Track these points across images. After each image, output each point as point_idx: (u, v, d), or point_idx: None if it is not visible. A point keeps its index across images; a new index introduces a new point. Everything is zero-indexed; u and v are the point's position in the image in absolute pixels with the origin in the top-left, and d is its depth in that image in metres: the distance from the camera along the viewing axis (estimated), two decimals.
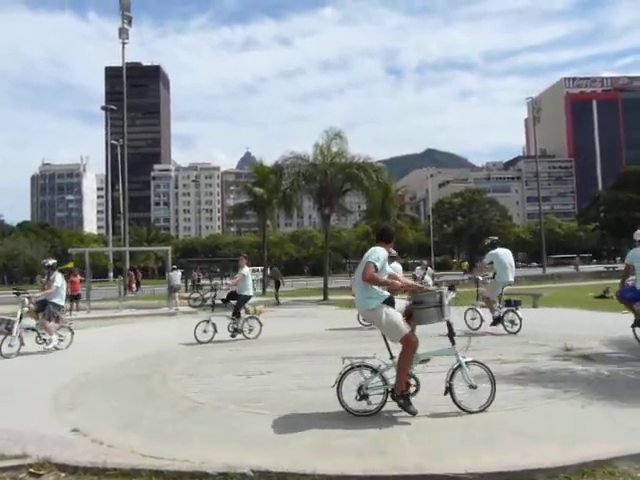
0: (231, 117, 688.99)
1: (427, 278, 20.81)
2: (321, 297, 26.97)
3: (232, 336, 11.45)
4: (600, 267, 59.59)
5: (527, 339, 10.05)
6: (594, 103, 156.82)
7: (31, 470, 4.00)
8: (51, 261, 11.22)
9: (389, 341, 5.31)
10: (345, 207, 34.33)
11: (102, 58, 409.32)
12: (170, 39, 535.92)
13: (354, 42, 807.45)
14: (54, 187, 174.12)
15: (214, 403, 5.96)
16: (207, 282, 31.10)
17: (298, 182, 27.84)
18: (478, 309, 11.42)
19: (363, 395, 5.15)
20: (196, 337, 11.15)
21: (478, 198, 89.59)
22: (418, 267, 22.66)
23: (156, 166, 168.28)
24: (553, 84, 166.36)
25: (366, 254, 5.36)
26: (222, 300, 12.04)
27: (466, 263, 62.29)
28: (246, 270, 11.85)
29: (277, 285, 26.47)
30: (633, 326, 8.74)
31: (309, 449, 4.32)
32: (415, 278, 22.41)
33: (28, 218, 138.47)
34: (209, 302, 23.26)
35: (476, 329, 11.16)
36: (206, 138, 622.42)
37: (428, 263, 25.10)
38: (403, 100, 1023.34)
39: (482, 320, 11.22)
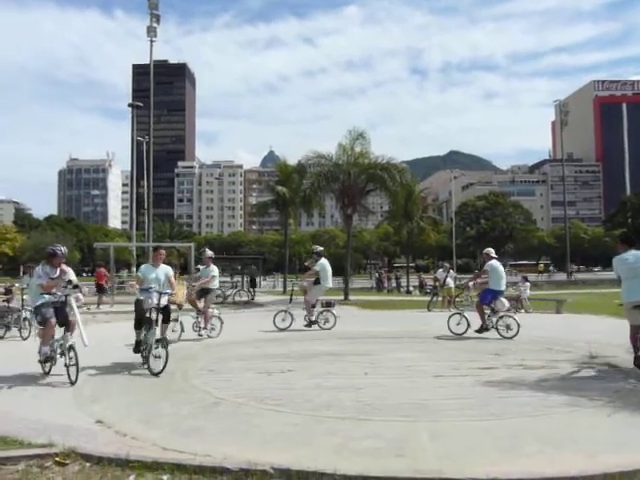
0: (254, 115, 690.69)
1: (449, 280, 20.70)
2: (342, 297, 26.93)
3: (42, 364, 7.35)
4: None
5: (551, 345, 9.91)
6: (624, 106, 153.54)
7: (57, 459, 4.09)
8: None
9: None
10: (367, 207, 34.18)
11: (128, 55, 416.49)
12: (195, 37, 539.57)
13: (377, 41, 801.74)
14: (80, 182, 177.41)
15: (235, 399, 6.00)
16: (228, 279, 31.26)
17: (319, 182, 27.85)
18: (289, 311, 13.10)
19: None
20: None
21: (502, 201, 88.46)
22: (440, 269, 22.52)
23: (180, 163, 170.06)
24: (582, 87, 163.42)
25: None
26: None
27: (542, 265, 64.75)
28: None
29: (252, 283, 27.44)
30: (479, 331, 10.83)
31: (329, 449, 4.31)
32: (436, 280, 22.37)
33: (55, 212, 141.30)
34: (230, 299, 23.67)
35: (285, 328, 12.77)
36: (229, 136, 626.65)
37: (450, 265, 24.90)
38: (427, 101, 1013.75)
39: (292, 320, 12.98)
